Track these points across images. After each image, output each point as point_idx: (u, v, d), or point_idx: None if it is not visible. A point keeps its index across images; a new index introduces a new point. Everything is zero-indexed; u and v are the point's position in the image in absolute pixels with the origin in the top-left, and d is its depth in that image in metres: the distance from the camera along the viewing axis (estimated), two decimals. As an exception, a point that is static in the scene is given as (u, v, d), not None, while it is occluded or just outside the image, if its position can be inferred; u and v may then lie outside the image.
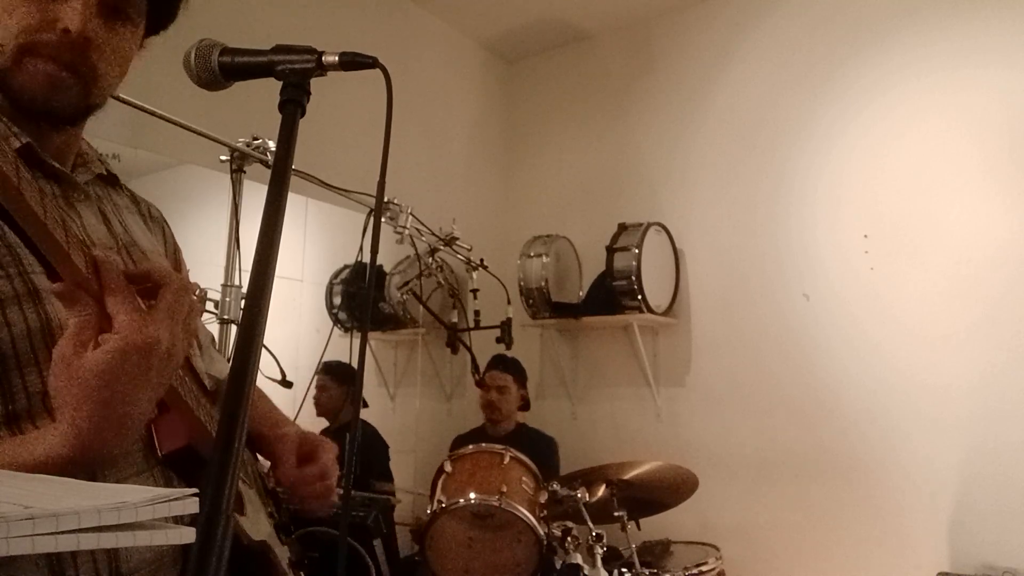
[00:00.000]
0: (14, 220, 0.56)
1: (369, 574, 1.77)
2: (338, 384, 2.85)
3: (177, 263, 1.03)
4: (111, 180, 0.93)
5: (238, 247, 1.89)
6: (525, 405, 3.25)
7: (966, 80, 2.80)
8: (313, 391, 2.71)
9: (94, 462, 0.64)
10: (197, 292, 2.17)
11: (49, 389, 0.63)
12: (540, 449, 3.03)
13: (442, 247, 2.64)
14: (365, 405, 3.09)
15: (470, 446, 2.35)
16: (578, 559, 2.07)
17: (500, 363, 3.15)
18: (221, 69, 0.80)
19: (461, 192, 3.77)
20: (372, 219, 1.31)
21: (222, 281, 1.91)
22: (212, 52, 0.80)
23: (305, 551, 1.10)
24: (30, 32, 0.74)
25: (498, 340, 2.82)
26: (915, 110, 2.90)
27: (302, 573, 1.05)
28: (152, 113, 1.59)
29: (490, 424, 3.18)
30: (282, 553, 1.00)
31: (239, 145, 1.87)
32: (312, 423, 2.88)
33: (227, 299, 1.87)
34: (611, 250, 3.22)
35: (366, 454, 2.90)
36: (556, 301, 3.40)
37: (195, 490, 0.52)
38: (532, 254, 3.40)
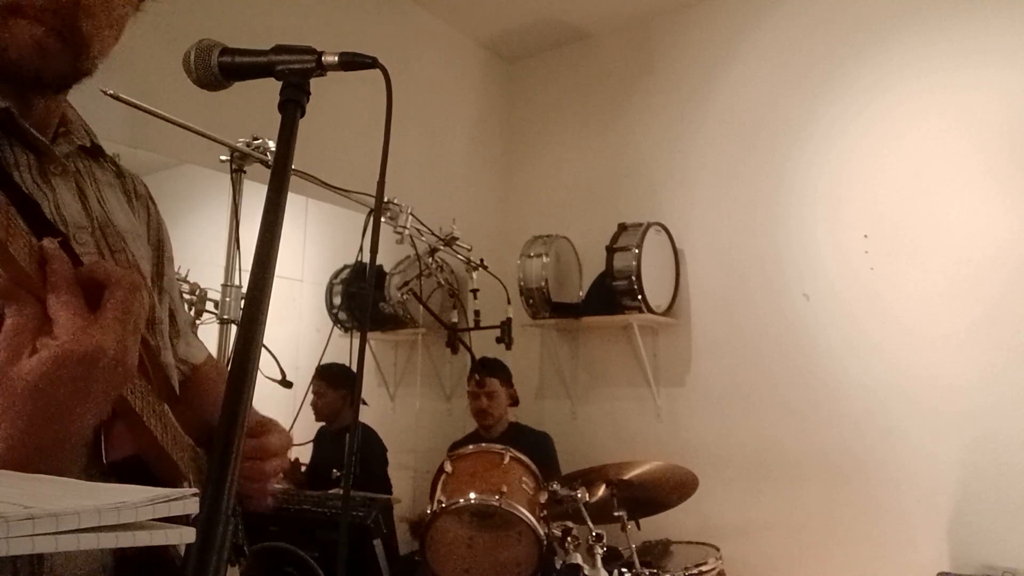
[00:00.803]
0: None
1: None
2: (334, 388, 2.85)
3: (160, 243, 0.97)
4: (95, 152, 0.87)
5: (238, 247, 1.89)
6: (514, 402, 3.24)
7: (966, 80, 2.80)
8: (310, 396, 2.73)
9: (35, 471, 0.57)
10: (197, 292, 2.18)
11: None
12: (537, 447, 3.03)
13: (442, 247, 2.64)
14: (364, 403, 3.09)
15: (470, 446, 2.35)
16: (578, 559, 2.07)
17: (483, 368, 3.11)
18: (221, 69, 0.80)
19: (461, 192, 3.77)
20: (372, 219, 1.31)
21: (222, 281, 1.91)
22: (212, 52, 0.80)
23: (260, 570, 1.05)
24: None
25: (498, 340, 2.82)
26: (915, 110, 2.90)
27: None
28: (152, 113, 1.59)
29: (483, 429, 3.17)
30: None
31: (239, 145, 1.87)
32: (312, 422, 2.88)
33: (227, 299, 1.87)
34: (611, 250, 3.21)
35: (363, 455, 2.90)
36: (556, 301, 3.40)
37: (195, 490, 0.52)
38: (532, 254, 3.40)
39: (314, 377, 2.77)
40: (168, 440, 0.77)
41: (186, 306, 2.07)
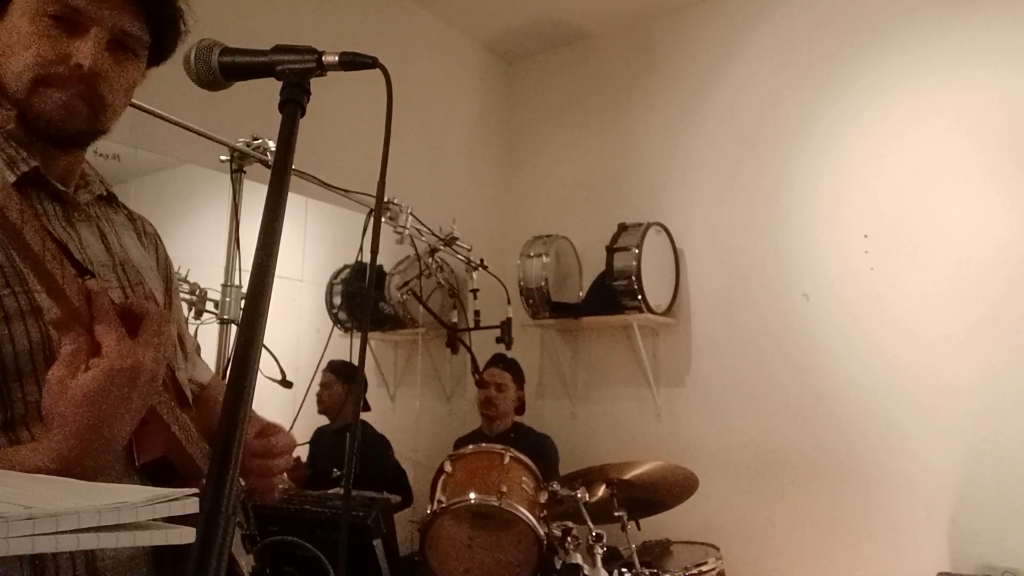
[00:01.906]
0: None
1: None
2: (343, 383, 2.85)
3: (168, 277, 1.09)
4: (110, 199, 1.00)
5: (238, 247, 1.89)
6: (521, 408, 3.23)
7: (966, 80, 2.80)
8: (316, 388, 2.73)
9: (79, 474, 0.68)
10: (197, 292, 2.19)
11: (43, 408, 0.69)
12: (538, 448, 3.04)
13: (442, 247, 2.64)
14: (367, 408, 3.10)
15: (470, 446, 2.35)
16: (578, 559, 2.07)
17: (501, 361, 3.15)
18: (221, 69, 0.81)
19: (461, 192, 3.77)
20: (372, 219, 1.31)
21: (222, 281, 1.91)
22: (212, 52, 0.81)
23: (270, 561, 1.14)
24: (46, 66, 0.81)
25: (498, 340, 2.82)
26: (915, 110, 2.90)
27: None
28: (152, 113, 1.59)
29: (486, 423, 3.17)
30: (246, 563, 1.04)
31: (239, 145, 1.87)
32: (312, 422, 2.88)
33: (227, 299, 1.87)
34: (611, 250, 3.21)
35: (363, 453, 2.90)
36: (556, 301, 3.40)
37: (195, 490, 0.52)
38: (532, 254, 3.40)
39: (324, 369, 2.79)
40: (190, 443, 0.87)
41: (189, 327, 2.12)
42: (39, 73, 0.81)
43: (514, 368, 3.19)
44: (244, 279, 1.84)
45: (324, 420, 2.90)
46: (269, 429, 1.06)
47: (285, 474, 1.07)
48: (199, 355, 1.20)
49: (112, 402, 0.68)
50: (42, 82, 0.81)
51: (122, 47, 0.86)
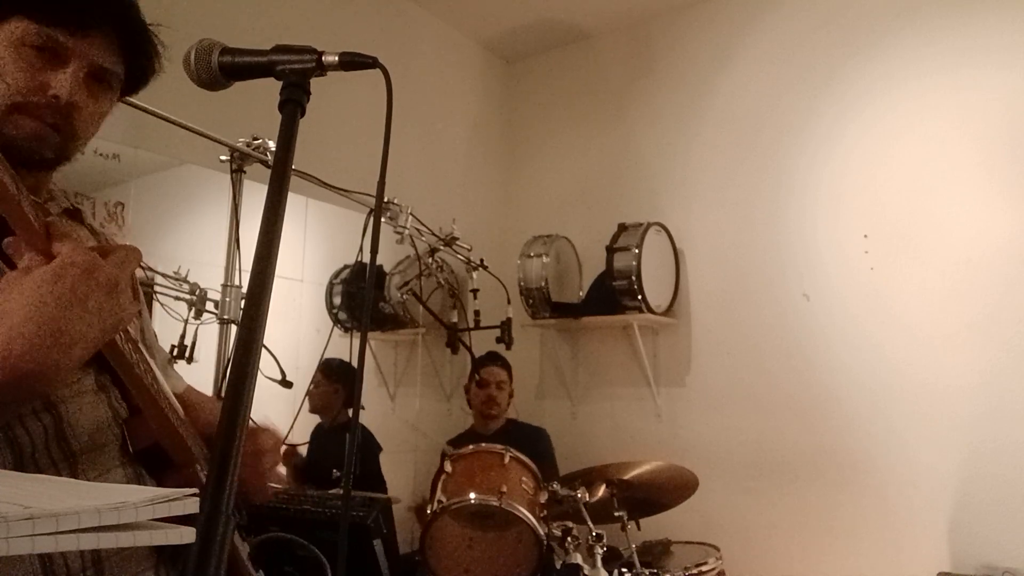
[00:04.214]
0: None
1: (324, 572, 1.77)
2: (329, 382, 2.83)
3: (135, 290, 1.09)
4: (75, 215, 1.01)
5: (238, 247, 1.89)
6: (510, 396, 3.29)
7: (966, 80, 2.80)
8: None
9: (30, 376, 0.64)
10: (197, 292, 2.19)
11: None
12: (534, 442, 3.05)
13: (442, 247, 2.64)
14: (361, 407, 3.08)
15: (470, 446, 2.35)
16: (578, 559, 2.07)
17: (497, 359, 3.16)
18: (221, 69, 0.81)
19: (461, 192, 3.77)
20: (372, 219, 1.31)
21: (222, 281, 1.91)
22: (212, 52, 0.81)
23: (270, 560, 1.14)
24: (22, 94, 0.82)
25: (498, 340, 2.82)
26: (915, 110, 2.90)
27: (261, 571, 1.09)
28: (152, 113, 1.59)
29: (482, 422, 3.18)
30: (243, 549, 1.05)
31: (239, 145, 1.87)
32: (312, 422, 2.88)
33: (227, 299, 1.87)
34: (611, 250, 3.21)
35: (361, 454, 2.89)
36: (556, 301, 3.40)
37: (195, 490, 0.52)
38: (532, 254, 3.40)
39: (317, 368, 2.78)
40: (181, 427, 0.87)
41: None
42: (15, 100, 0.82)
43: (508, 365, 3.21)
44: (244, 279, 1.84)
45: (319, 419, 2.89)
46: (253, 429, 1.05)
47: (281, 469, 1.07)
48: (171, 367, 1.20)
49: (61, 294, 0.65)
50: (17, 109, 0.83)
51: (98, 80, 0.88)
